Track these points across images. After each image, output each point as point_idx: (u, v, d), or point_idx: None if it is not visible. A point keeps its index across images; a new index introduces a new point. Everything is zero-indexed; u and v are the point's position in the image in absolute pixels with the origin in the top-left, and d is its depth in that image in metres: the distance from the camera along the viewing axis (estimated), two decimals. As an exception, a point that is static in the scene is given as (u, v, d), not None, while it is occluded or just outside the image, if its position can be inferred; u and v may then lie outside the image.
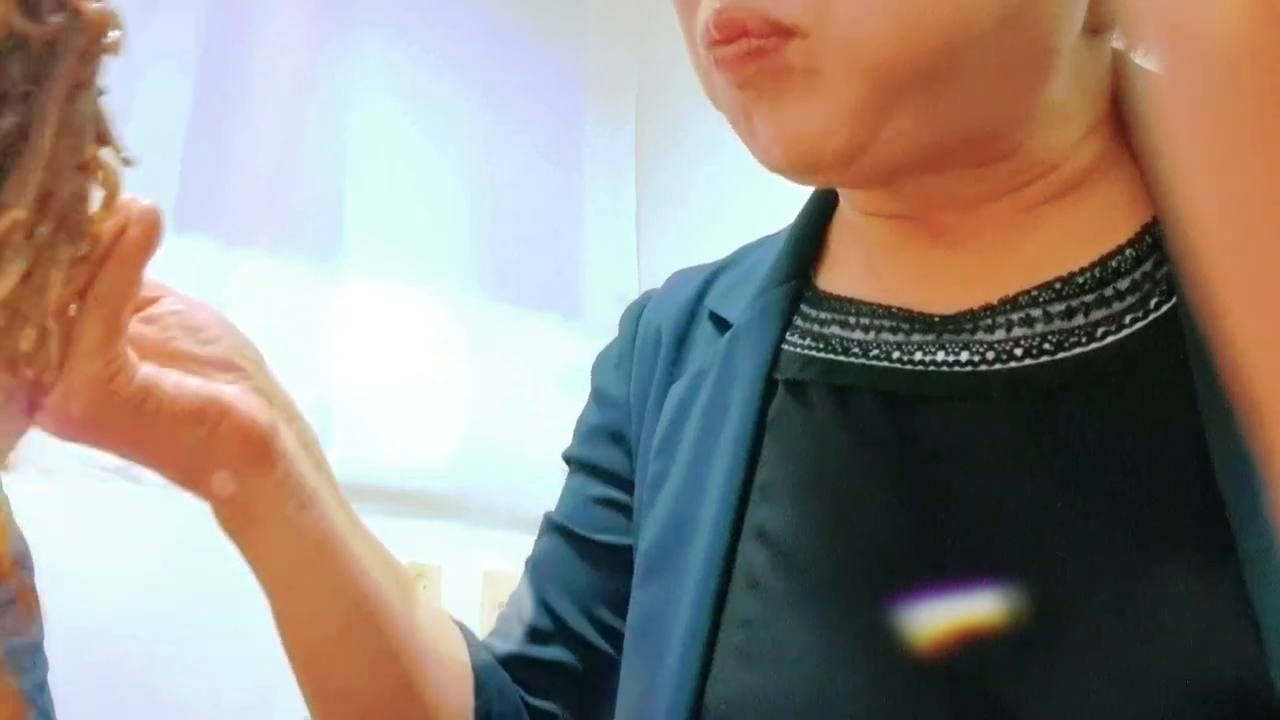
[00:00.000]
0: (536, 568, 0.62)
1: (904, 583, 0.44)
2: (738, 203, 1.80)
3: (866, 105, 0.42)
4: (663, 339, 0.59)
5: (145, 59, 1.78)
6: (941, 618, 0.43)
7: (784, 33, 0.42)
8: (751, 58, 0.43)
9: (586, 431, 0.63)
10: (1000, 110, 0.45)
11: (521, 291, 2.06)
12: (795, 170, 0.45)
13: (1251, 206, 0.14)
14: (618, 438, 0.61)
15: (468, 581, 1.88)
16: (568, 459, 0.64)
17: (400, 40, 2.02)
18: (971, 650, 0.41)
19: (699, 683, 0.46)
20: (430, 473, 1.87)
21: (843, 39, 0.42)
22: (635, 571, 0.54)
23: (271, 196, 1.86)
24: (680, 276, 0.64)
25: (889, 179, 0.47)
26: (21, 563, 1.03)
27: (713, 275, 0.61)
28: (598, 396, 0.64)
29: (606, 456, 0.61)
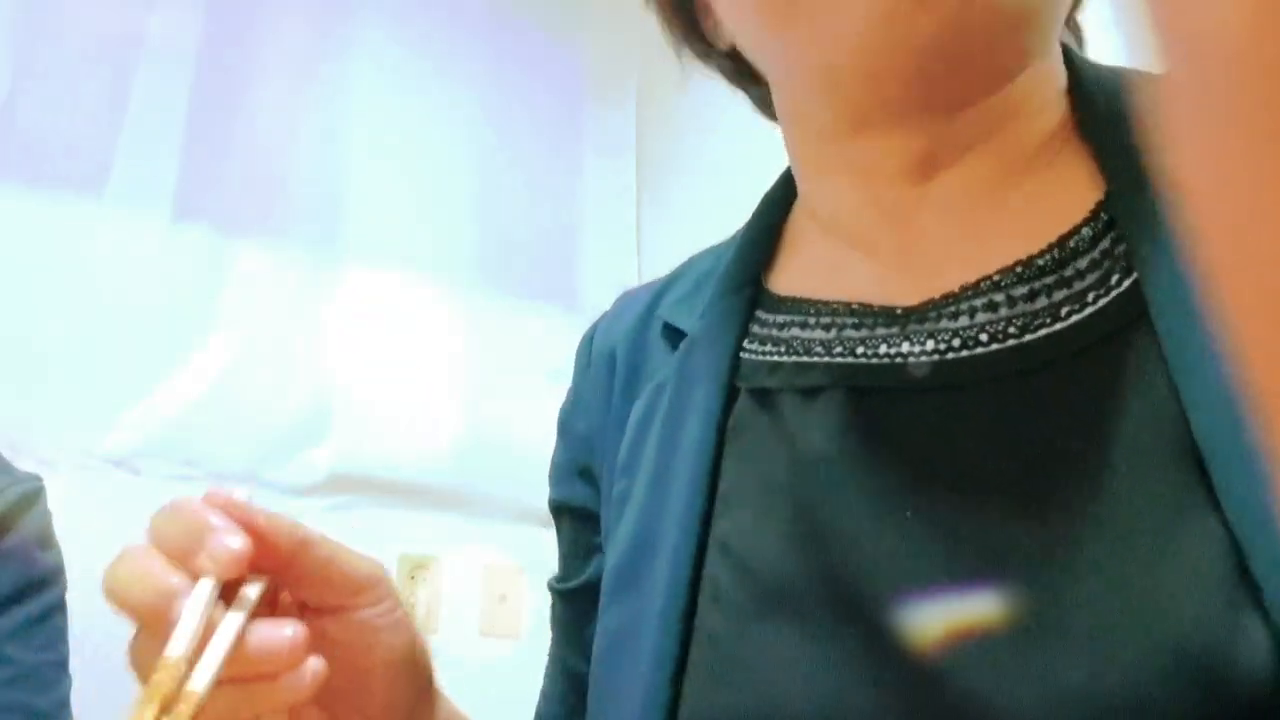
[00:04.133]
0: (553, 643, 0.61)
1: (876, 581, 0.43)
2: (738, 192, 1.80)
3: None
4: (617, 359, 0.59)
5: (144, 48, 1.77)
6: (912, 614, 0.42)
7: None
8: None
9: (556, 472, 0.63)
10: (1046, 13, 0.46)
11: (520, 282, 2.06)
12: (875, 36, 0.43)
13: (1254, 201, 0.14)
14: (584, 472, 0.60)
15: (466, 574, 1.89)
16: (550, 506, 0.63)
17: (399, 30, 2.02)
18: (944, 644, 0.41)
19: (670, 704, 0.46)
20: (428, 465, 1.87)
21: None
22: (602, 592, 0.53)
23: (270, 188, 1.86)
24: (629, 296, 0.63)
25: (914, 97, 0.46)
26: (57, 579, 1.04)
27: (663, 288, 0.60)
28: (561, 433, 0.63)
29: (577, 494, 0.60)
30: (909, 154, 0.49)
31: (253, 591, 0.43)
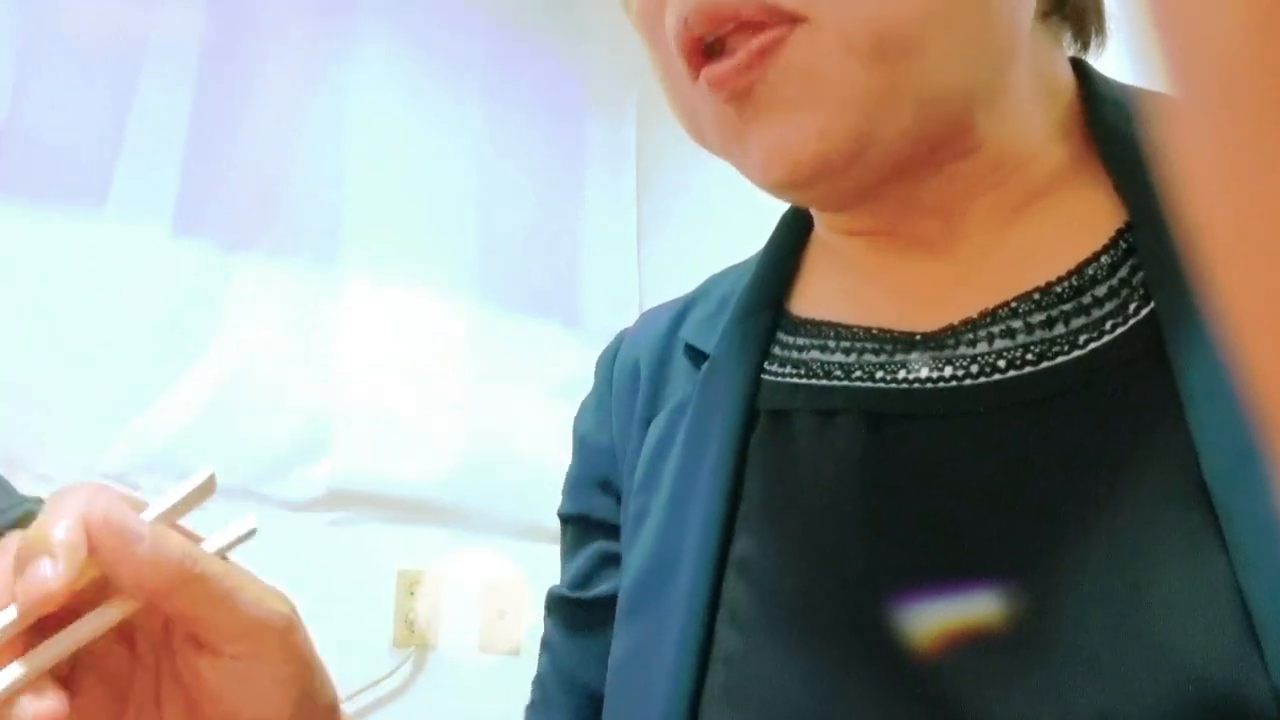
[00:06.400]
0: (555, 655, 0.60)
1: (888, 603, 0.43)
2: (739, 209, 1.80)
3: (865, 95, 0.42)
4: (641, 375, 0.59)
5: (145, 61, 1.78)
6: (926, 636, 0.42)
7: (788, 19, 0.42)
8: (754, 63, 0.42)
9: (573, 484, 0.62)
10: (977, 86, 0.46)
11: (521, 298, 2.06)
12: (796, 180, 0.44)
13: (1261, 213, 0.14)
14: (605, 485, 0.59)
15: (465, 589, 1.88)
16: (561, 517, 0.63)
17: (401, 44, 2.02)
18: (957, 666, 0.41)
19: None
20: (428, 480, 1.87)
21: (838, 21, 0.42)
22: (618, 610, 0.53)
23: (271, 201, 1.87)
24: (653, 313, 0.63)
25: (879, 187, 0.47)
26: None
27: (686, 308, 0.60)
28: (580, 446, 0.63)
29: (597, 506, 0.60)
30: (885, 219, 0.50)
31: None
